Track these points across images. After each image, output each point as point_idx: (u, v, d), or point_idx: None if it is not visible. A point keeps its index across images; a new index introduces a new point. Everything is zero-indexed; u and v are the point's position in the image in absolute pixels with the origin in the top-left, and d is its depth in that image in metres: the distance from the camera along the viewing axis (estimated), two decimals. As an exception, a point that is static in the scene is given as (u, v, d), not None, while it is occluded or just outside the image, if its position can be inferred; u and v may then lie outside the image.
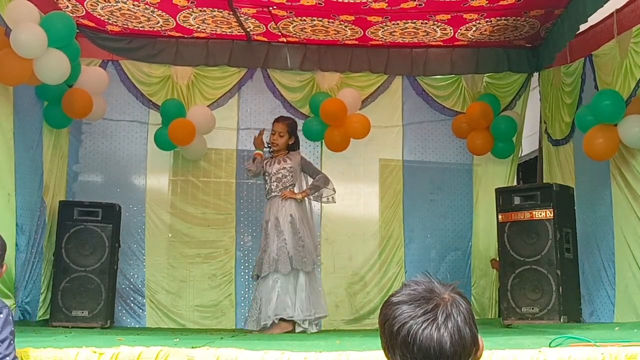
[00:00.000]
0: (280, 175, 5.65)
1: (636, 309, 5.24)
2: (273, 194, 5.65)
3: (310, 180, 5.84)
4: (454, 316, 1.39)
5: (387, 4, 5.74)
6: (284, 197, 5.56)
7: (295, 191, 5.68)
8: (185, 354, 2.80)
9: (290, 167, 5.66)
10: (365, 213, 7.03)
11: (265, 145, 5.87)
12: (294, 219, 5.51)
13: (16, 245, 5.21)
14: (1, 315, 2.49)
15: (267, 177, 5.74)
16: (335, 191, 5.81)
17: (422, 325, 1.37)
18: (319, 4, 5.79)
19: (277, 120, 5.85)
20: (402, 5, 5.77)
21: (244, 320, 6.00)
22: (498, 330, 4.99)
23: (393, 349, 1.40)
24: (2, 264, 2.67)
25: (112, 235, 5.95)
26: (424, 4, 5.74)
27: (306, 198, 5.71)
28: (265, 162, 5.79)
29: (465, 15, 6.02)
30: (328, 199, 5.81)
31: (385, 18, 6.10)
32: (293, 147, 5.81)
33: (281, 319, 5.37)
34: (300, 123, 6.77)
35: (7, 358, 2.45)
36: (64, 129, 6.25)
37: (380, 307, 1.48)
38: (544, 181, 6.65)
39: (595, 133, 5.37)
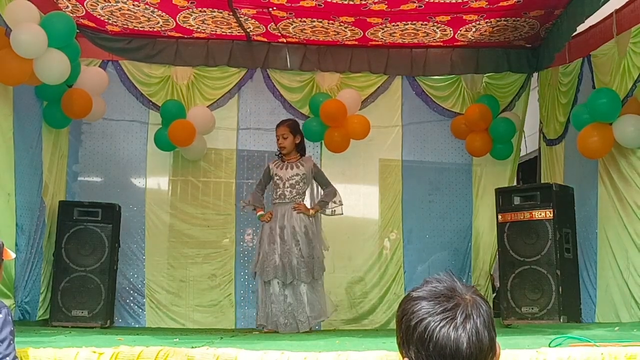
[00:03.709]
0: (293, 182, 5.64)
1: (616, 309, 5.27)
2: (286, 199, 5.63)
3: (320, 190, 5.87)
4: (473, 318, 1.36)
5: (386, 6, 5.74)
6: (298, 211, 5.57)
7: (307, 197, 5.76)
8: (185, 354, 2.80)
9: (303, 174, 5.67)
10: (365, 213, 7.04)
11: (276, 153, 5.88)
12: (307, 230, 5.57)
13: (16, 245, 5.22)
14: (0, 315, 2.49)
15: (279, 182, 5.69)
16: (342, 203, 5.79)
17: (440, 324, 1.35)
18: (319, 5, 5.79)
19: (278, 125, 5.82)
20: (401, 7, 5.78)
21: (244, 318, 6.04)
22: (498, 330, 4.98)
23: (408, 344, 1.38)
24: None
25: (112, 235, 5.95)
26: (423, 6, 5.74)
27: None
28: (276, 165, 5.78)
29: (465, 17, 6.02)
30: (334, 211, 5.78)
31: (385, 19, 6.11)
32: (301, 147, 5.79)
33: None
34: (300, 123, 6.77)
35: (8, 358, 2.45)
36: (64, 129, 6.25)
37: (400, 301, 1.45)
38: (543, 181, 6.66)
39: (590, 131, 5.38)
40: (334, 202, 5.77)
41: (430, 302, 1.38)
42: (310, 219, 5.63)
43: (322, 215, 5.83)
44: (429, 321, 1.36)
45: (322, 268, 5.64)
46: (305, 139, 6.72)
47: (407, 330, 1.38)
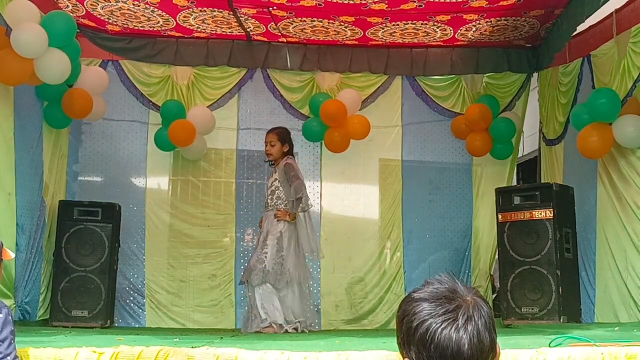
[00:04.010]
0: (273, 188, 5.64)
1: (615, 310, 5.27)
2: (269, 207, 5.63)
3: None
4: (475, 319, 1.37)
5: (387, 5, 5.74)
6: (277, 219, 5.52)
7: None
8: (185, 354, 2.80)
9: (279, 178, 5.62)
10: (365, 213, 7.04)
11: (265, 160, 5.92)
12: (282, 236, 5.48)
13: (16, 245, 5.22)
14: (1, 315, 2.50)
15: (265, 191, 5.78)
16: (308, 197, 5.61)
17: (441, 325, 1.35)
18: (319, 5, 5.79)
19: (267, 132, 5.82)
20: (402, 6, 5.77)
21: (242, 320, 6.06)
22: (498, 330, 4.98)
23: (409, 345, 1.39)
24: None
25: (112, 235, 5.95)
26: (424, 5, 5.74)
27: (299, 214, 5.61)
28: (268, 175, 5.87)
29: (465, 16, 6.02)
30: (304, 207, 5.57)
31: (385, 19, 6.11)
32: (289, 154, 5.73)
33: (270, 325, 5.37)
34: (299, 124, 6.78)
35: (8, 357, 2.46)
36: (64, 129, 6.25)
37: (400, 302, 1.45)
38: (542, 181, 6.66)
39: (589, 131, 5.38)
40: (304, 197, 5.52)
41: (431, 304, 1.38)
42: (292, 225, 5.51)
43: (307, 219, 5.65)
44: (431, 322, 1.36)
45: (287, 279, 5.42)
46: (306, 141, 6.78)
47: (408, 331, 1.39)
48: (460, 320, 1.36)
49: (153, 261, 6.63)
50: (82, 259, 5.84)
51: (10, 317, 2.53)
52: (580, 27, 5.67)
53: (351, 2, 5.68)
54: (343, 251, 6.83)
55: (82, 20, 6.17)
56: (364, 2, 5.67)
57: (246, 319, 5.56)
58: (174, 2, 5.84)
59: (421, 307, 1.38)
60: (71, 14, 5.78)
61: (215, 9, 6.02)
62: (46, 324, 5.66)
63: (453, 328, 1.35)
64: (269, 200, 5.65)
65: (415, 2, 5.67)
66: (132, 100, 6.78)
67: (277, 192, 5.60)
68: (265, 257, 5.42)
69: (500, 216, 5.85)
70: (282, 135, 5.74)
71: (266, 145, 5.73)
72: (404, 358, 1.41)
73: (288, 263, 5.44)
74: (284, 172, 5.60)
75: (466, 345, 1.34)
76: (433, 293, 1.40)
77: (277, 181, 5.62)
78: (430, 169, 7.10)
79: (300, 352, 2.76)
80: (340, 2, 5.69)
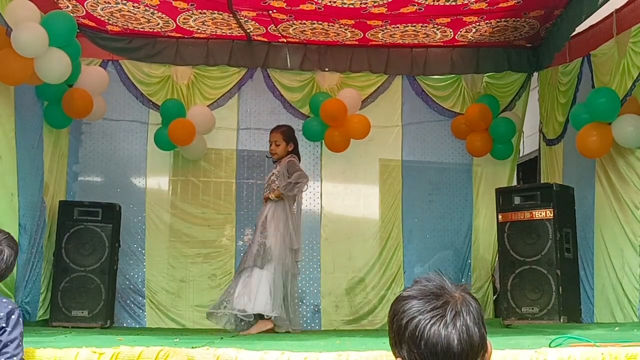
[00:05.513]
0: (269, 182, 5.67)
1: (611, 309, 5.27)
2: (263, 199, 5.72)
3: None
4: (463, 315, 1.38)
5: (386, 9, 5.73)
6: (264, 200, 5.61)
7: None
8: (185, 354, 2.80)
9: (278, 172, 5.63)
10: (365, 213, 7.04)
11: (267, 155, 5.92)
12: (266, 219, 5.49)
13: (19, 245, 5.20)
14: (13, 316, 2.52)
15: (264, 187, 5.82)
16: (306, 182, 5.60)
17: (430, 321, 1.36)
18: (319, 8, 5.78)
19: (272, 130, 5.80)
20: (401, 10, 5.77)
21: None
22: (498, 331, 4.99)
23: (400, 343, 1.40)
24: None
25: (112, 235, 5.95)
26: (423, 8, 5.73)
27: (293, 203, 5.60)
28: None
29: (465, 18, 6.02)
30: (298, 190, 5.56)
31: (385, 22, 6.10)
32: (294, 154, 5.73)
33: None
34: (300, 123, 6.78)
35: (15, 358, 2.46)
36: (64, 129, 6.25)
37: (392, 302, 1.46)
38: (543, 181, 6.66)
39: (588, 131, 5.39)
40: (300, 182, 5.50)
41: (420, 301, 1.40)
42: (274, 208, 5.49)
43: (298, 211, 5.66)
44: (420, 319, 1.37)
45: (266, 258, 5.33)
46: (306, 140, 6.77)
47: (398, 330, 1.40)
48: (448, 316, 1.37)
49: (153, 261, 6.63)
50: (82, 259, 5.84)
51: (21, 319, 2.56)
52: (580, 27, 5.67)
53: (351, 5, 5.67)
54: (343, 251, 6.83)
55: (82, 20, 6.17)
56: (364, 5, 5.66)
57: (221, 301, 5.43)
58: (173, 4, 5.83)
59: (410, 305, 1.40)
60: (71, 14, 5.79)
61: (215, 11, 6.02)
62: (46, 324, 5.66)
63: (442, 324, 1.36)
64: (265, 193, 5.69)
65: (415, 5, 5.66)
66: (132, 100, 6.78)
67: (272, 185, 5.61)
68: (256, 240, 5.45)
69: (500, 216, 5.85)
70: (287, 134, 5.73)
71: (271, 145, 5.70)
72: (396, 358, 1.42)
73: (269, 242, 5.38)
74: (285, 168, 5.60)
75: (456, 341, 1.35)
76: (421, 290, 1.42)
77: (274, 175, 5.65)
78: (430, 169, 7.09)
79: (301, 352, 2.76)
80: (340, 5, 5.68)
